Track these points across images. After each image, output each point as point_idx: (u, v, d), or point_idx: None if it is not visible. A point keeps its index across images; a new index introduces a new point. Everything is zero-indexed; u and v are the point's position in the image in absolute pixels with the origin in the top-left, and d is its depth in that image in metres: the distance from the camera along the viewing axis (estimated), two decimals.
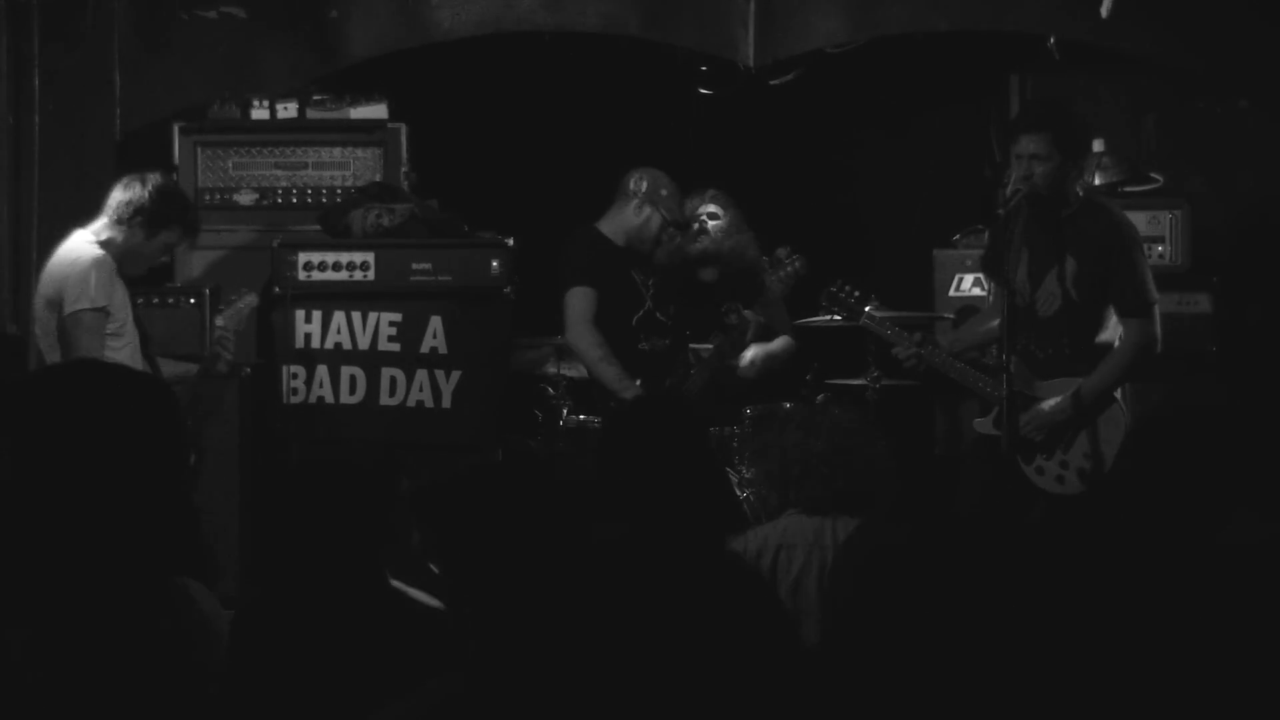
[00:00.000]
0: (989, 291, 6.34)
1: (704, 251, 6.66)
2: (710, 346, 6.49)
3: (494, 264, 6.57)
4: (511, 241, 6.66)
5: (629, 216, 6.58)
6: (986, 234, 6.06)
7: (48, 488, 2.31)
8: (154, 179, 6.07)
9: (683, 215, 6.58)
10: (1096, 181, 6.82)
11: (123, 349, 5.92)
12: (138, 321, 6.13)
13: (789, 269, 6.31)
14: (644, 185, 6.56)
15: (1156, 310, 5.62)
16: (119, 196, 6.01)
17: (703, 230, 6.66)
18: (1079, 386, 5.59)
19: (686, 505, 3.68)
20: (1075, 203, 5.66)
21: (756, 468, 4.68)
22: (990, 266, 5.92)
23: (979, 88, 7.50)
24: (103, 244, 5.99)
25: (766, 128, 7.92)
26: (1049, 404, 5.59)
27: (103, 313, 5.87)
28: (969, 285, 6.73)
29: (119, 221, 6.00)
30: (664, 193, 6.57)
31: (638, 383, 6.36)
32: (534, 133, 7.87)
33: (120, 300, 5.99)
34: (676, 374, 6.47)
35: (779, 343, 6.75)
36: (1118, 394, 5.65)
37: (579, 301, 6.44)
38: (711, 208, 6.73)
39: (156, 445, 2.34)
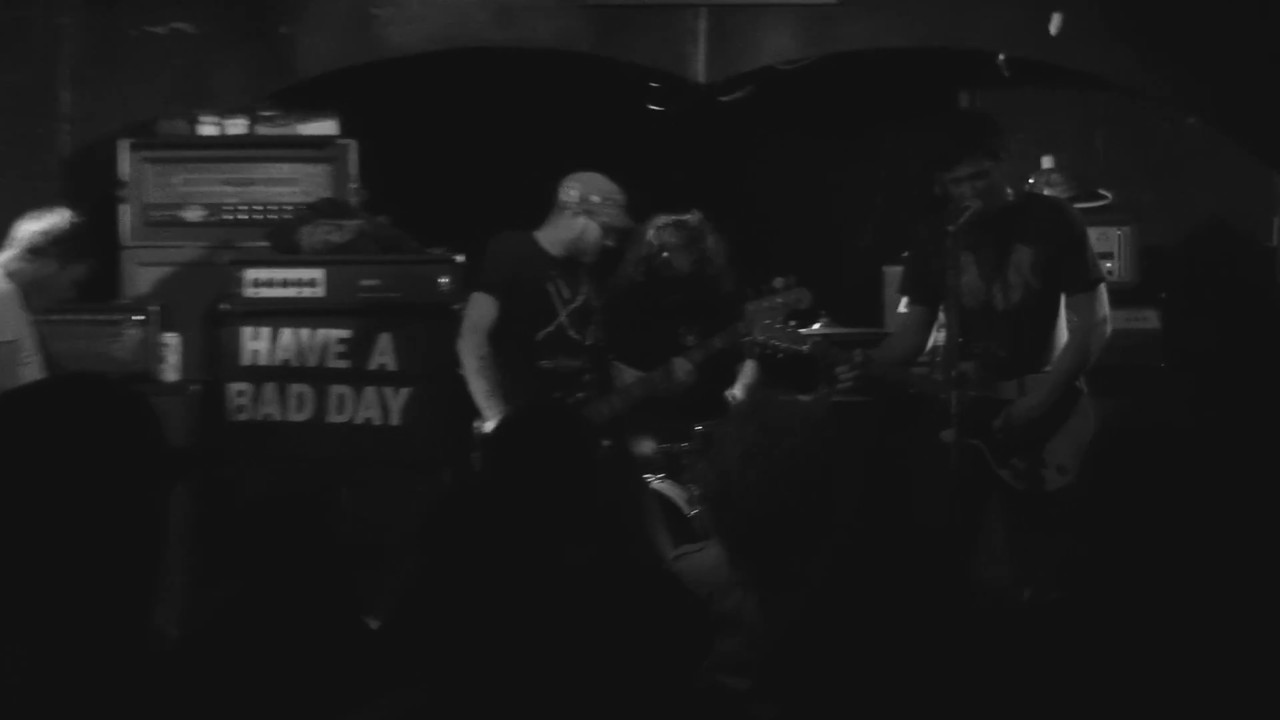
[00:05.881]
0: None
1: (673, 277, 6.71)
2: (642, 375, 6.42)
3: (443, 280, 6.57)
4: (461, 258, 6.62)
5: (564, 228, 6.39)
6: (907, 255, 5.98)
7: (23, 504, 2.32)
8: (66, 212, 6.04)
9: (623, 219, 6.39)
10: None
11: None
12: (42, 344, 6.07)
13: (779, 300, 6.02)
14: (575, 194, 6.37)
15: (1103, 289, 5.64)
16: (32, 227, 5.96)
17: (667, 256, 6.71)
18: (1043, 380, 5.57)
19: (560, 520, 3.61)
20: (1014, 199, 5.69)
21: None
22: (914, 287, 5.87)
23: (929, 104, 7.41)
24: (11, 274, 5.96)
25: (718, 144, 7.87)
26: (1020, 403, 5.57)
27: (13, 345, 5.83)
28: None
29: (32, 251, 5.95)
30: (596, 199, 6.36)
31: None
32: (487, 149, 7.78)
33: (28, 329, 5.94)
34: (583, 394, 6.35)
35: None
36: (1083, 384, 5.63)
37: (478, 309, 6.30)
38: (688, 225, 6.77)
39: (130, 458, 2.35)
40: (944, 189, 5.60)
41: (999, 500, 5.67)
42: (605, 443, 5.88)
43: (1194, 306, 6.93)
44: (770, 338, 5.81)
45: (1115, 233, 6.74)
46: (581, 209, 6.35)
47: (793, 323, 5.97)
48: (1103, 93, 7.36)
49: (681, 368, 6.26)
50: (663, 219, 6.78)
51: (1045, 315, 5.64)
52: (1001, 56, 7.18)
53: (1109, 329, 5.64)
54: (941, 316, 5.70)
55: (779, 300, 6.00)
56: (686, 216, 6.77)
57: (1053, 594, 3.21)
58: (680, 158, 7.72)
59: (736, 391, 6.65)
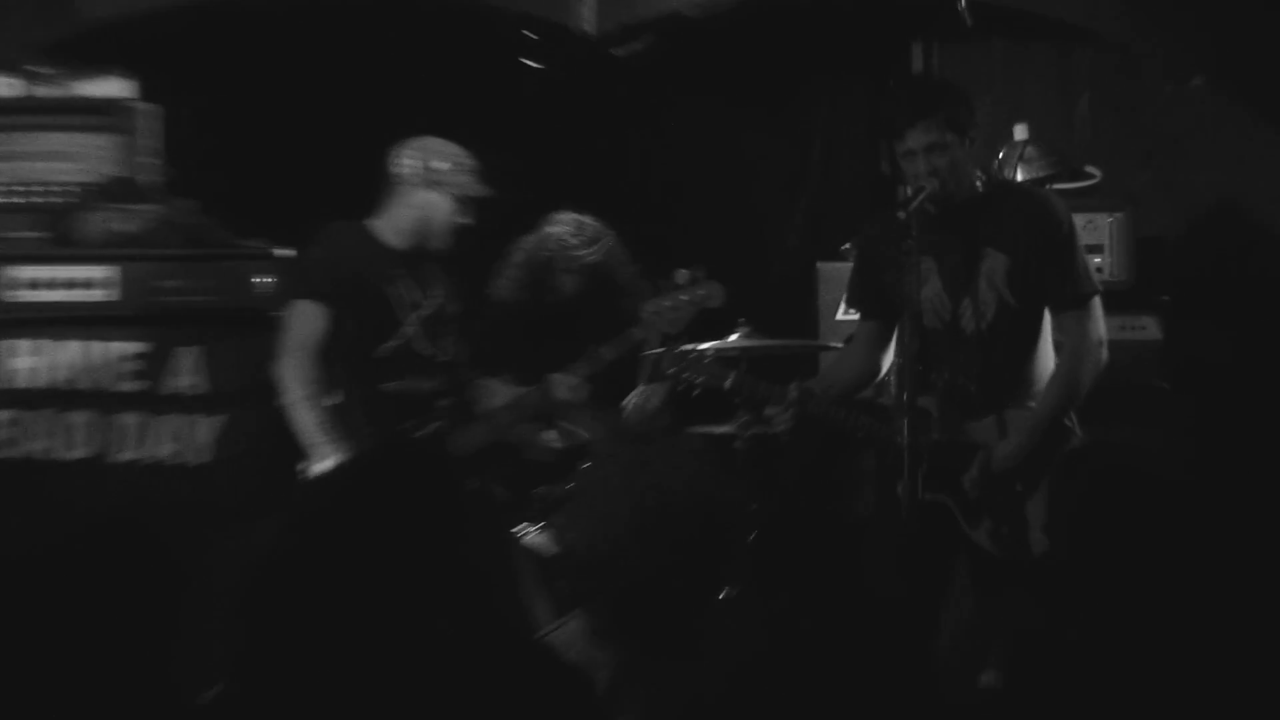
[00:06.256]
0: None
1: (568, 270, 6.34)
2: (513, 396, 5.96)
3: (260, 280, 6.12)
4: (286, 252, 6.11)
5: (405, 208, 5.77)
6: (853, 254, 5.57)
7: None
8: None
9: (478, 188, 5.84)
10: (1020, 177, 6.46)
11: None
12: None
13: (683, 298, 5.74)
14: (414, 164, 5.77)
15: (1098, 303, 5.20)
16: None
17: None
18: (1024, 419, 5.10)
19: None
20: (983, 189, 5.22)
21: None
22: (863, 298, 5.39)
23: (873, 61, 7.17)
24: None
25: (610, 108, 7.61)
26: (998, 449, 5.12)
27: None
28: None
29: None
30: (442, 165, 5.78)
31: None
32: (327, 118, 7.35)
33: None
34: (438, 423, 5.82)
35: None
36: (1074, 422, 5.17)
37: (302, 322, 5.64)
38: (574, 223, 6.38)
39: None
40: (893, 164, 5.27)
41: (969, 566, 5.21)
42: (468, 486, 5.15)
43: (1201, 312, 6.58)
44: (683, 370, 5.40)
45: (1105, 220, 6.32)
46: (425, 180, 5.78)
47: (708, 352, 5.68)
48: (1088, 48, 7.18)
49: (562, 384, 5.79)
50: (558, 229, 6.33)
51: (1024, 338, 5.17)
52: (963, 1, 6.87)
53: (1105, 353, 5.16)
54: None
55: (683, 298, 5.67)
56: (590, 251, 6.32)
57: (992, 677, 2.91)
58: (564, 125, 7.49)
59: (634, 399, 6.31)
